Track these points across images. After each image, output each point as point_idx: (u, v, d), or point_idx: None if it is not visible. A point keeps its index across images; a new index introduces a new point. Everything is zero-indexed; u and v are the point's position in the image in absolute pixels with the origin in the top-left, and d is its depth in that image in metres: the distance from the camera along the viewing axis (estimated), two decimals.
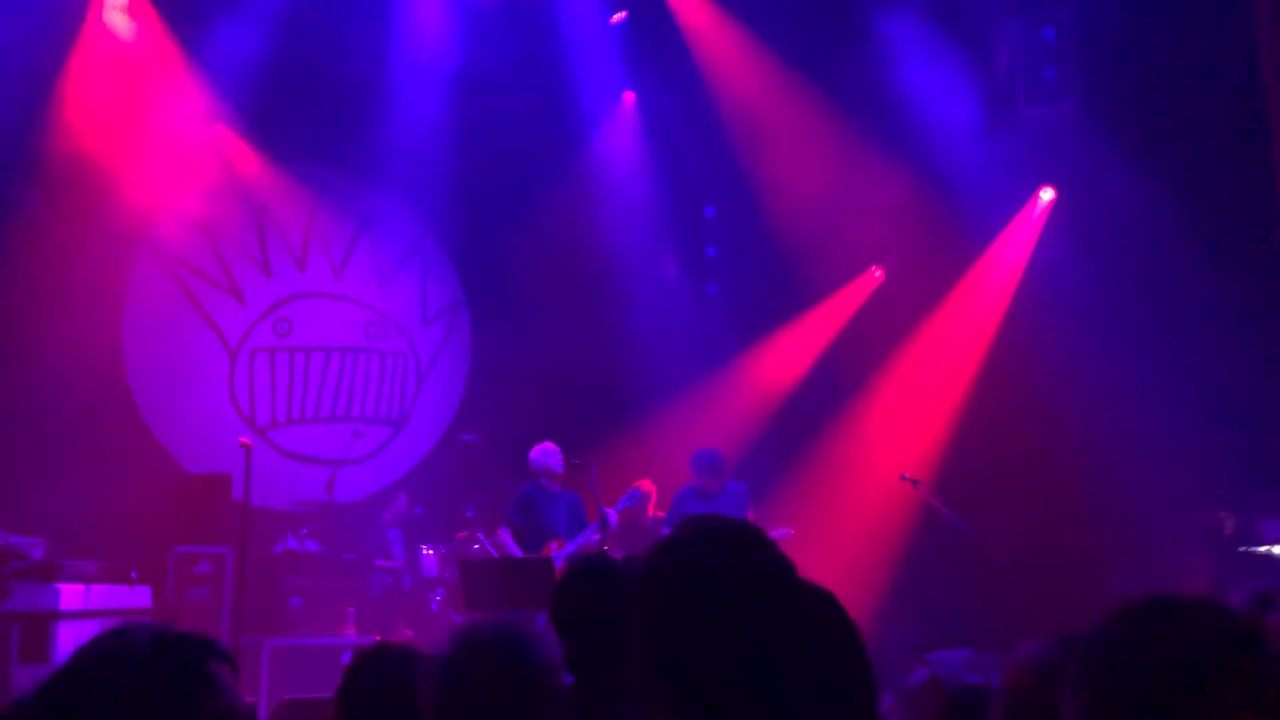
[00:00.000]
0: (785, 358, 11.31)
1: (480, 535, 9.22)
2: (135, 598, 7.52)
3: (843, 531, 9.68)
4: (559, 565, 7.54)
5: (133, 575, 7.49)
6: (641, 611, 1.52)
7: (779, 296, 11.14)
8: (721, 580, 1.48)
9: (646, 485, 9.10)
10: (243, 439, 8.01)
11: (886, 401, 10.54)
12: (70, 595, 7.03)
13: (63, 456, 8.70)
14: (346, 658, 6.46)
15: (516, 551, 7.81)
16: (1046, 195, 10.19)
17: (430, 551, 9.52)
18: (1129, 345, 8.81)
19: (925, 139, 9.95)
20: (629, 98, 11.03)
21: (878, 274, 11.16)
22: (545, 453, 8.13)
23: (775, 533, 8.00)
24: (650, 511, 9.25)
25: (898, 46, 9.97)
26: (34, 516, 7.64)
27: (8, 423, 8.64)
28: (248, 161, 10.39)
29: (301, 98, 10.09)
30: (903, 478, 8.89)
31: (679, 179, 11.15)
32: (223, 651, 1.29)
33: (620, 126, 10.99)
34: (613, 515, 8.00)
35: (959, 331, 10.42)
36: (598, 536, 7.74)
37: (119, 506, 8.52)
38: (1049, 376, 9.39)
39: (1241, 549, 7.88)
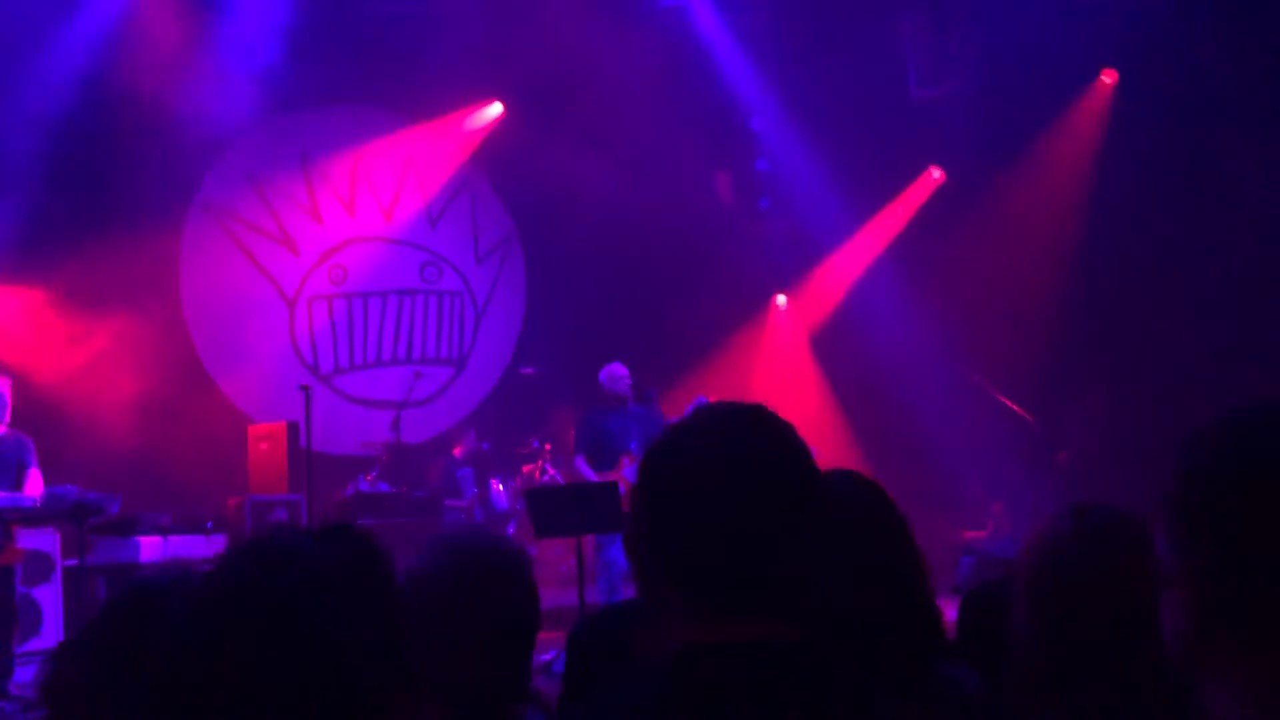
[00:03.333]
0: (846, 267, 11.08)
1: (548, 465, 9.22)
2: (212, 546, 7.63)
3: (924, 439, 9.49)
4: (632, 480, 7.49)
5: (208, 525, 7.60)
6: (642, 493, 1.40)
7: (835, 207, 10.87)
8: (730, 455, 1.35)
9: (711, 400, 8.99)
10: (302, 383, 8.04)
11: (954, 303, 10.25)
12: (150, 547, 7.16)
13: (132, 414, 8.84)
14: None
15: (591, 476, 7.72)
16: (1108, 79, 9.79)
17: (500, 485, 9.55)
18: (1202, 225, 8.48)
19: (977, 30, 9.55)
20: (669, 11, 10.72)
21: (936, 175, 10.83)
22: (610, 375, 8.00)
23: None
24: None
25: None
26: (109, 473, 7.79)
27: (78, 383, 8.79)
28: (289, 109, 10.34)
29: (337, 38, 9.97)
30: (972, 377, 8.71)
31: (724, 94, 10.86)
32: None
33: (661, 43, 10.69)
34: None
35: (1028, 224, 10.04)
36: None
37: (190, 459, 8.65)
38: (1130, 264, 9.11)
39: None
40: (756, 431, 1.39)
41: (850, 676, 1.39)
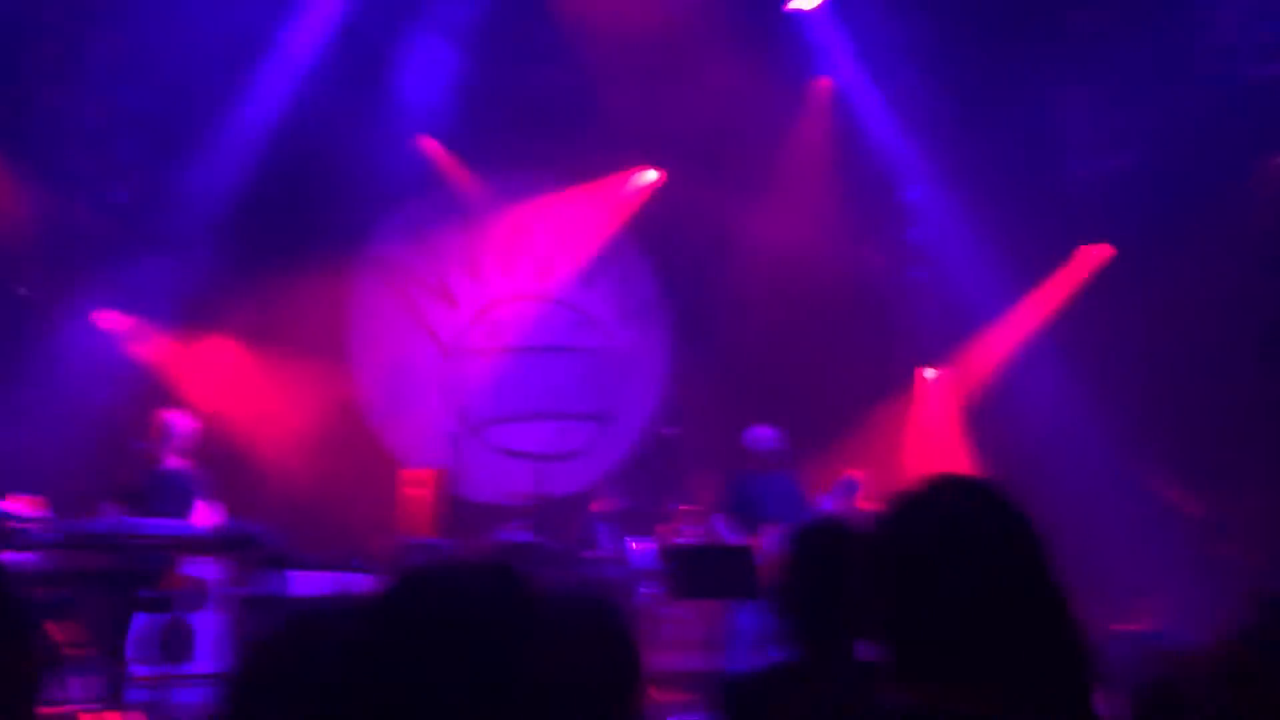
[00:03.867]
0: (1002, 341, 10.82)
1: (684, 527, 9.24)
2: (360, 585, 7.90)
3: (1075, 526, 9.13)
4: (770, 550, 7.42)
5: (354, 563, 7.88)
6: (881, 559, 1.48)
7: (992, 280, 10.67)
8: (970, 531, 1.42)
9: (858, 474, 8.86)
10: (451, 431, 8.33)
11: (1117, 384, 9.86)
12: (301, 582, 7.46)
13: (297, 453, 9.30)
14: None
15: (729, 537, 7.70)
16: None
17: (637, 543, 9.61)
18: None
19: (1156, 96, 9.28)
20: (824, 83, 10.83)
21: (1098, 252, 10.52)
22: (755, 438, 8.01)
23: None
24: (859, 502, 9.01)
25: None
26: (269, 508, 8.19)
27: (250, 423, 9.30)
28: (455, 171, 10.84)
29: (504, 106, 10.43)
30: (1147, 478, 8.36)
31: (879, 161, 10.86)
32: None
33: (816, 112, 10.80)
34: (828, 504, 7.80)
35: (1199, 307, 9.62)
36: None
37: (345, 499, 9.03)
38: None
39: None
40: (1001, 512, 1.45)
41: None
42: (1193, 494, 8.69)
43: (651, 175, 11.28)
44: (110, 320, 9.42)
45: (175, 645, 6.90)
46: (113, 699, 6.30)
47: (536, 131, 10.62)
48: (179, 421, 7.14)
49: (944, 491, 1.48)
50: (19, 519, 6.31)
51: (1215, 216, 9.59)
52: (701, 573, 6.90)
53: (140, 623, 6.96)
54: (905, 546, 1.45)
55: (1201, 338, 9.41)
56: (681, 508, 9.30)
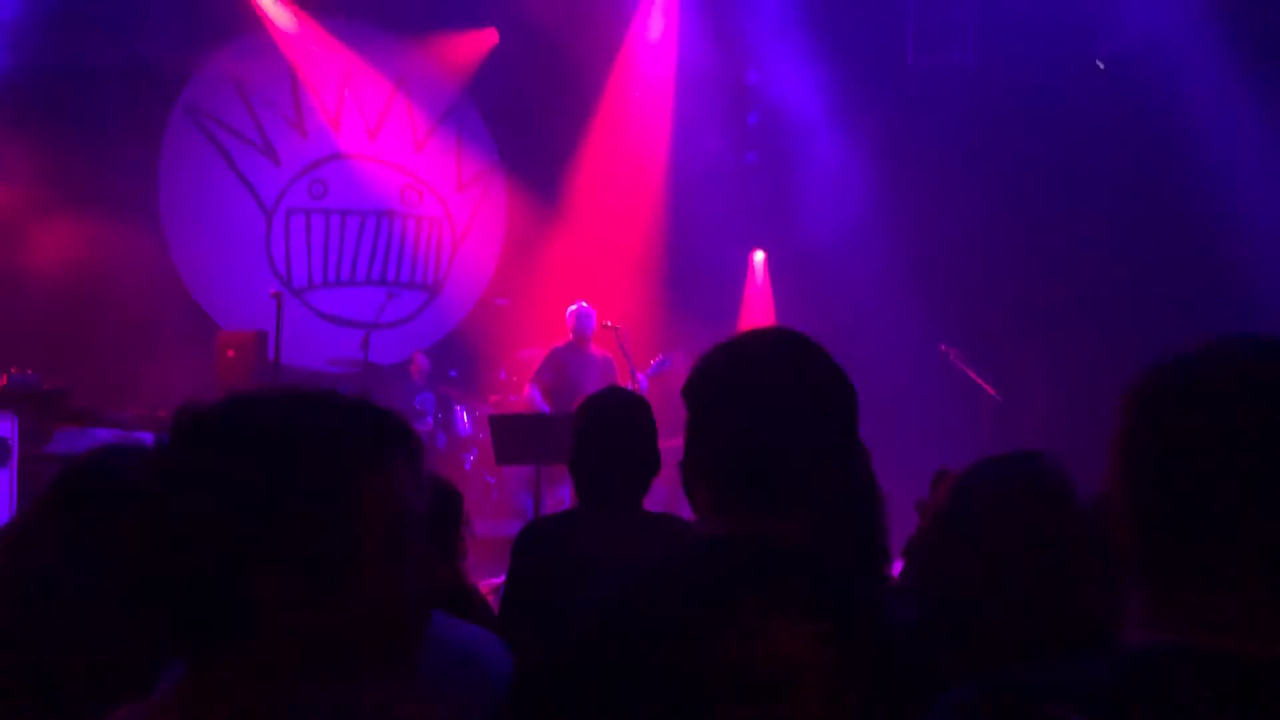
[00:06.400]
0: (828, 223, 11.05)
1: (512, 397, 9.28)
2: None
3: (878, 406, 9.52)
4: None
5: (168, 424, 7.58)
6: (690, 398, 1.55)
7: (828, 164, 10.82)
8: (768, 372, 1.51)
9: (679, 356, 9.02)
10: (272, 294, 8.05)
11: (931, 270, 10.25)
12: (109, 440, 7.15)
13: (102, 312, 8.81)
14: None
15: (543, 408, 7.77)
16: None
17: (465, 413, 9.58)
18: None
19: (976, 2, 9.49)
20: None
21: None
22: (577, 313, 8.03)
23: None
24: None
25: None
26: (74, 370, 7.77)
27: (46, 279, 8.74)
28: (282, 16, 10.22)
29: None
30: (940, 347, 8.77)
31: (721, 45, 10.80)
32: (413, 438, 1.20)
33: None
34: (643, 380, 7.92)
35: (1020, 198, 10.07)
36: None
37: (157, 362, 8.64)
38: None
39: None
40: (801, 356, 1.53)
41: (834, 567, 1.52)
42: (993, 378, 9.14)
43: (489, 37, 10.91)
44: None
45: None
46: None
47: None
48: None
49: (752, 340, 1.57)
50: None
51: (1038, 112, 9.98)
52: (527, 440, 6.92)
53: None
54: (705, 386, 1.54)
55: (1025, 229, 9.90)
56: (512, 378, 9.32)
